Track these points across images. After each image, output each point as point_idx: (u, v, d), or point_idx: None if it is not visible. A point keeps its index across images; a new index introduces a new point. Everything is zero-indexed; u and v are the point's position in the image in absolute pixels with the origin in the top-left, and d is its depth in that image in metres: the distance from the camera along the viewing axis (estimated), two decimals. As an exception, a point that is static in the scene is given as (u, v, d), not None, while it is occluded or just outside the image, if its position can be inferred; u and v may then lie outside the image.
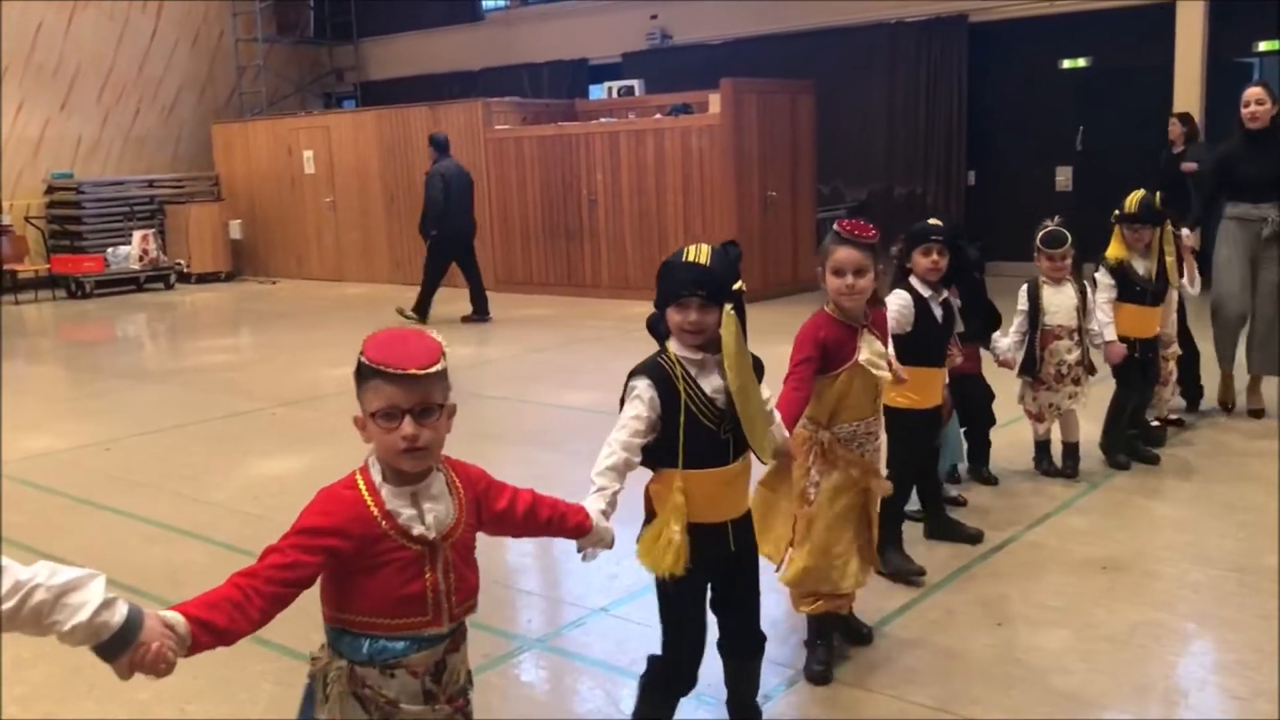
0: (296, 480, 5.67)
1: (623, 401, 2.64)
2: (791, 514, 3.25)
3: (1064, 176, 12.44)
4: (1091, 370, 5.12)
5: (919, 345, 3.93)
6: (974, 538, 4.34)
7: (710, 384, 2.59)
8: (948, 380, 4.31)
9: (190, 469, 5.93)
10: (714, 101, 11.59)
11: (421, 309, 10.87)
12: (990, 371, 5.03)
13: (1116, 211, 5.22)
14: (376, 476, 2.06)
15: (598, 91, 15.12)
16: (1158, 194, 5.17)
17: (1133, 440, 5.40)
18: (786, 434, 2.95)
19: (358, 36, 18.33)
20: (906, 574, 4.00)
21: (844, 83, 13.14)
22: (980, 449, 5.10)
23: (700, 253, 2.57)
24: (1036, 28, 12.28)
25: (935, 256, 3.95)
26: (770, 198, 11.74)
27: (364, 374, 2.02)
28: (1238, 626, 3.63)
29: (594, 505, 2.46)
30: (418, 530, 2.03)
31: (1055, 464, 5.22)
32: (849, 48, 13.26)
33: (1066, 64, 12.50)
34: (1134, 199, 5.18)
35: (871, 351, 3.22)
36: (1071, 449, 5.21)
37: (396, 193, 14.22)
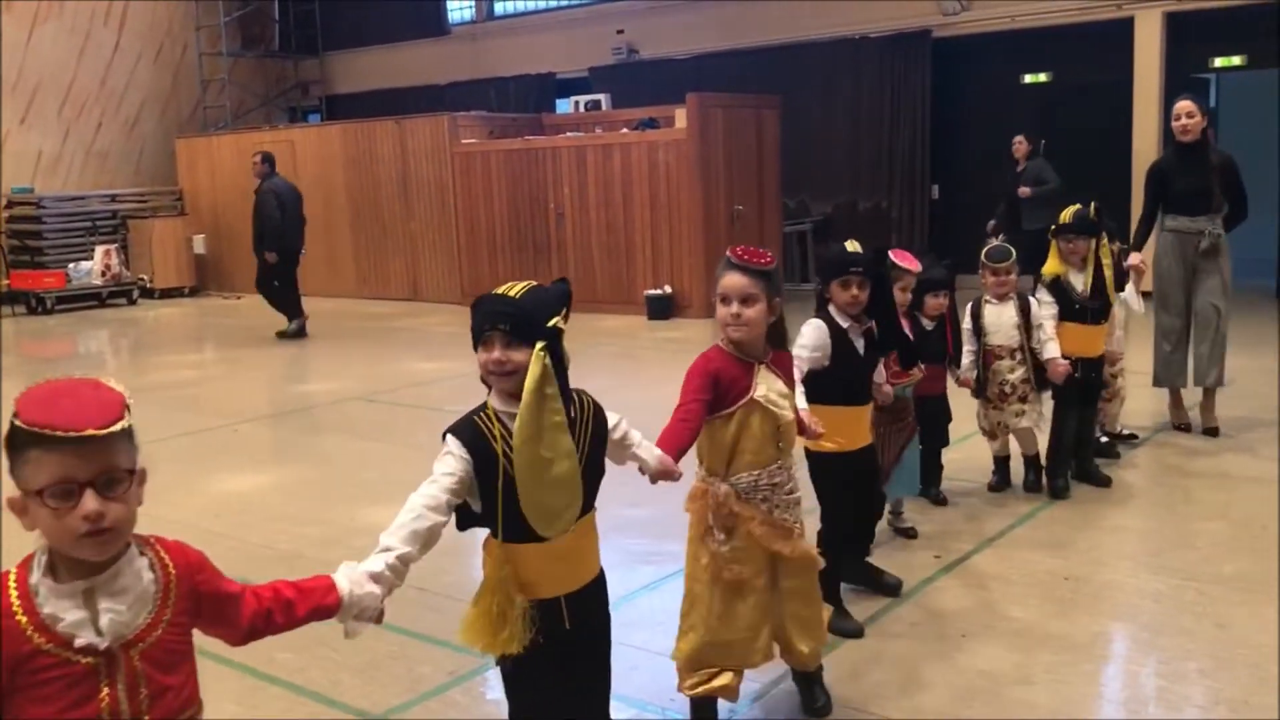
0: (260, 498, 5.63)
1: None
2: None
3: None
4: (1041, 387, 4.99)
5: (841, 381, 3.58)
6: (893, 588, 4.02)
7: None
8: (879, 404, 3.99)
9: (151, 487, 5.80)
10: (680, 116, 11.65)
11: (295, 319, 11.11)
12: (950, 391, 5.01)
13: (1053, 226, 5.11)
14: (35, 573, 1.62)
15: (564, 106, 15.16)
16: (1092, 204, 5.05)
17: (1084, 463, 5.26)
18: (657, 453, 2.64)
19: (323, 50, 18.29)
20: (844, 631, 3.70)
21: (809, 97, 13.25)
22: (933, 470, 5.01)
23: (513, 287, 2.32)
24: (999, 43, 12.44)
25: (855, 290, 3.54)
26: (737, 211, 11.80)
27: (19, 442, 1.58)
28: (1196, 636, 3.67)
29: (366, 567, 2.08)
30: (82, 640, 1.60)
31: (1009, 482, 5.22)
32: (814, 63, 13.37)
33: (1028, 79, 12.65)
34: (1069, 210, 5.09)
35: (771, 390, 2.89)
36: (1031, 462, 5.18)
37: (362, 207, 14.18)
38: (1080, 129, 12.08)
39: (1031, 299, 4.99)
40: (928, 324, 4.77)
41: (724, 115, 11.66)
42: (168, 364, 10.23)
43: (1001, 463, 5.23)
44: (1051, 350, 4.86)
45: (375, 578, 2.06)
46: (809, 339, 3.56)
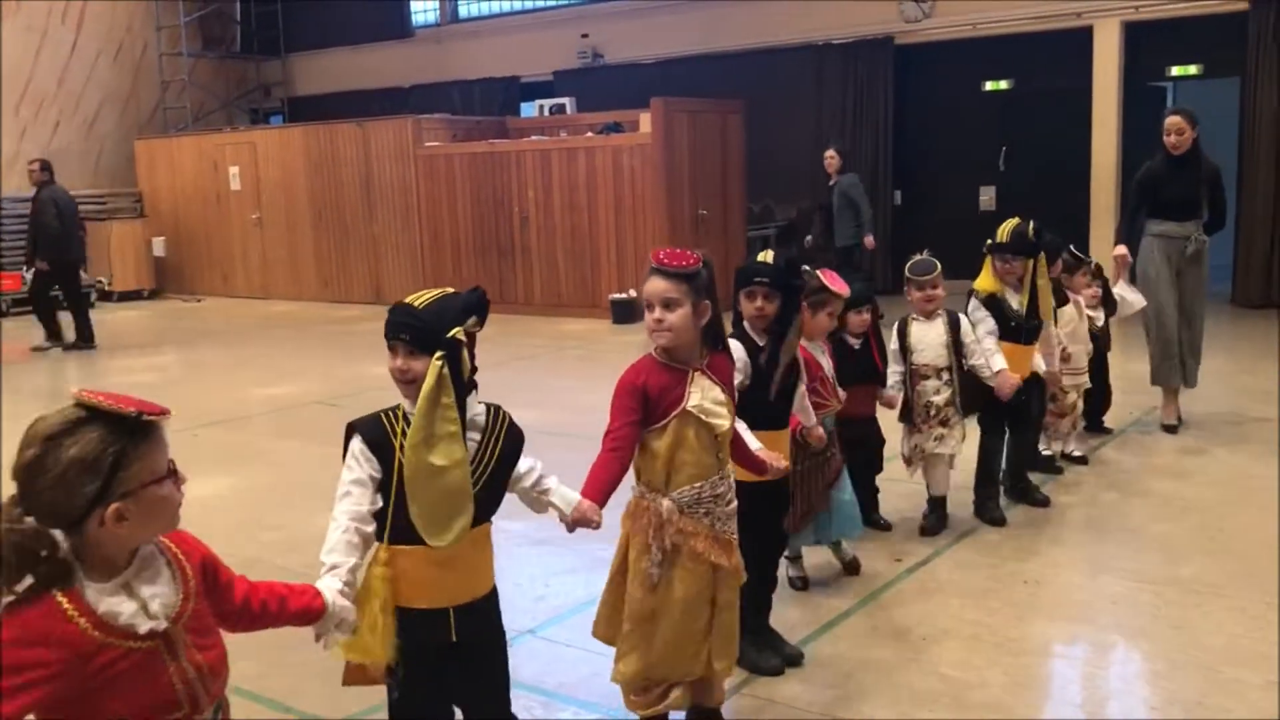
0: (219, 503, 5.56)
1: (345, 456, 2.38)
2: (628, 598, 2.86)
3: (988, 196, 12.71)
4: (964, 411, 4.67)
5: (757, 403, 3.31)
6: (793, 659, 3.57)
7: None
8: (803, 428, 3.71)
9: (109, 492, 5.79)
10: (645, 120, 11.66)
11: (86, 335, 10.93)
12: (882, 414, 4.70)
13: (989, 241, 4.79)
14: (78, 581, 1.72)
15: (529, 109, 15.11)
16: (1031, 224, 4.74)
17: (1020, 485, 5.07)
18: (573, 498, 2.58)
19: (285, 51, 18.14)
20: (760, 669, 3.49)
21: (773, 103, 13.30)
22: (869, 496, 4.65)
23: (421, 296, 2.36)
24: (960, 50, 12.55)
25: (760, 302, 3.35)
26: (701, 216, 11.83)
27: (138, 438, 1.71)
28: (1152, 637, 3.72)
29: (329, 585, 2.18)
30: (145, 627, 1.73)
31: (946, 522, 4.80)
32: (778, 68, 13.43)
33: (989, 86, 12.78)
34: (1007, 227, 4.74)
35: (706, 398, 2.77)
36: (936, 503, 4.79)
37: (324, 209, 14.08)
38: (1040, 135, 12.24)
39: (962, 316, 4.70)
40: (854, 342, 4.47)
41: (689, 120, 11.69)
42: (126, 367, 10.11)
43: (938, 502, 4.82)
44: (999, 362, 4.60)
45: (341, 593, 2.19)
46: None
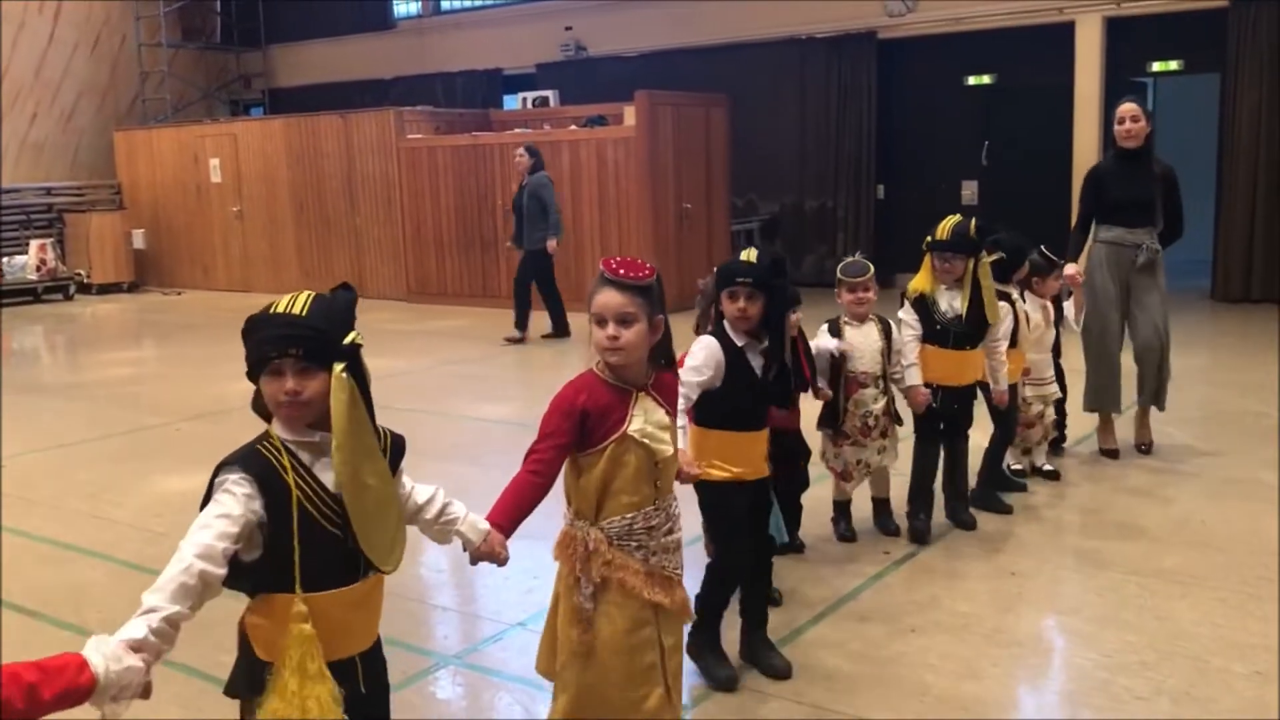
0: (200, 497, 5.52)
1: (205, 504, 2.02)
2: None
3: (970, 190, 12.75)
4: (898, 421, 4.51)
5: (733, 403, 3.26)
6: (781, 672, 3.46)
7: (331, 474, 2.03)
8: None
9: (90, 486, 5.75)
10: (629, 114, 11.64)
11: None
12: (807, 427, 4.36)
13: (928, 239, 4.51)
14: None
15: (512, 102, 15.08)
16: (973, 220, 4.52)
17: (955, 502, 4.78)
18: (483, 528, 2.34)
19: (266, 42, 18.02)
20: (717, 679, 3.39)
21: (757, 96, 13.31)
22: (793, 514, 4.31)
23: (295, 302, 2.05)
24: (943, 45, 12.58)
25: (742, 303, 3.23)
26: (685, 209, 11.82)
27: None
28: (1138, 629, 3.74)
29: (125, 634, 1.80)
30: None
31: (853, 529, 4.64)
32: (761, 62, 13.43)
33: (972, 80, 12.82)
34: (947, 225, 4.46)
35: (649, 421, 2.54)
36: (883, 504, 4.70)
37: (306, 202, 14.00)
38: (1022, 130, 12.29)
39: (893, 322, 4.49)
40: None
41: (673, 113, 11.67)
42: (106, 361, 10.03)
43: (842, 507, 4.66)
44: (914, 376, 4.44)
45: (137, 646, 1.79)
46: (698, 359, 3.24)
